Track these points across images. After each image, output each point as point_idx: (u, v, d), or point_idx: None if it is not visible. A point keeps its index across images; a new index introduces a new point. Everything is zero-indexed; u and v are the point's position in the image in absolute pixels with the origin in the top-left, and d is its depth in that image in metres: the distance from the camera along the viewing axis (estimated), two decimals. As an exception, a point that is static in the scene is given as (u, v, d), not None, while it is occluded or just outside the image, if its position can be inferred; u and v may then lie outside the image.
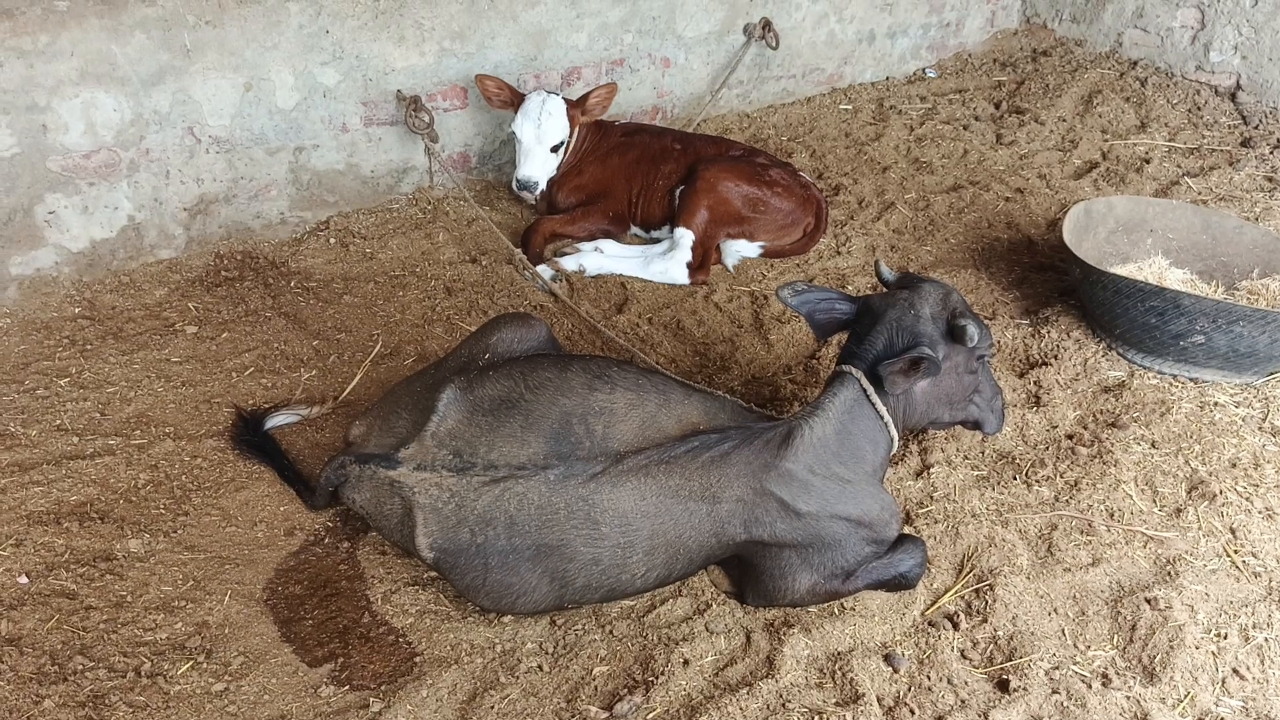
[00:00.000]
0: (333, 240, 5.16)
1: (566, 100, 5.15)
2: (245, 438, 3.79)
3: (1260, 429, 4.00)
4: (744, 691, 2.88)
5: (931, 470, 3.77)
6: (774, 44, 6.56)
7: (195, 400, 4.04)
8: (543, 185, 5.26)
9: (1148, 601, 3.22)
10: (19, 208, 4.37)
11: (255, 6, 4.64)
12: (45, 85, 4.25)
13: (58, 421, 3.85)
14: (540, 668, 3.03)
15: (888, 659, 3.04)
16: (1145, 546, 3.48)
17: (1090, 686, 2.96)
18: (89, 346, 4.28)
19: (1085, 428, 4.00)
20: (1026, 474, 3.77)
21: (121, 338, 4.35)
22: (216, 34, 4.58)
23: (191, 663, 2.99)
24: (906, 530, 3.47)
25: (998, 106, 7.06)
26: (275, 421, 3.91)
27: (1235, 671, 3.04)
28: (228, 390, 4.11)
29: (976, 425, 3.49)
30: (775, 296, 3.28)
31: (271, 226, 5.15)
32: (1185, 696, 2.95)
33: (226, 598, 3.22)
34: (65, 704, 2.81)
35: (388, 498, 3.12)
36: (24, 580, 3.19)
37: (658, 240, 5.36)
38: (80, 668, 2.93)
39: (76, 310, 4.49)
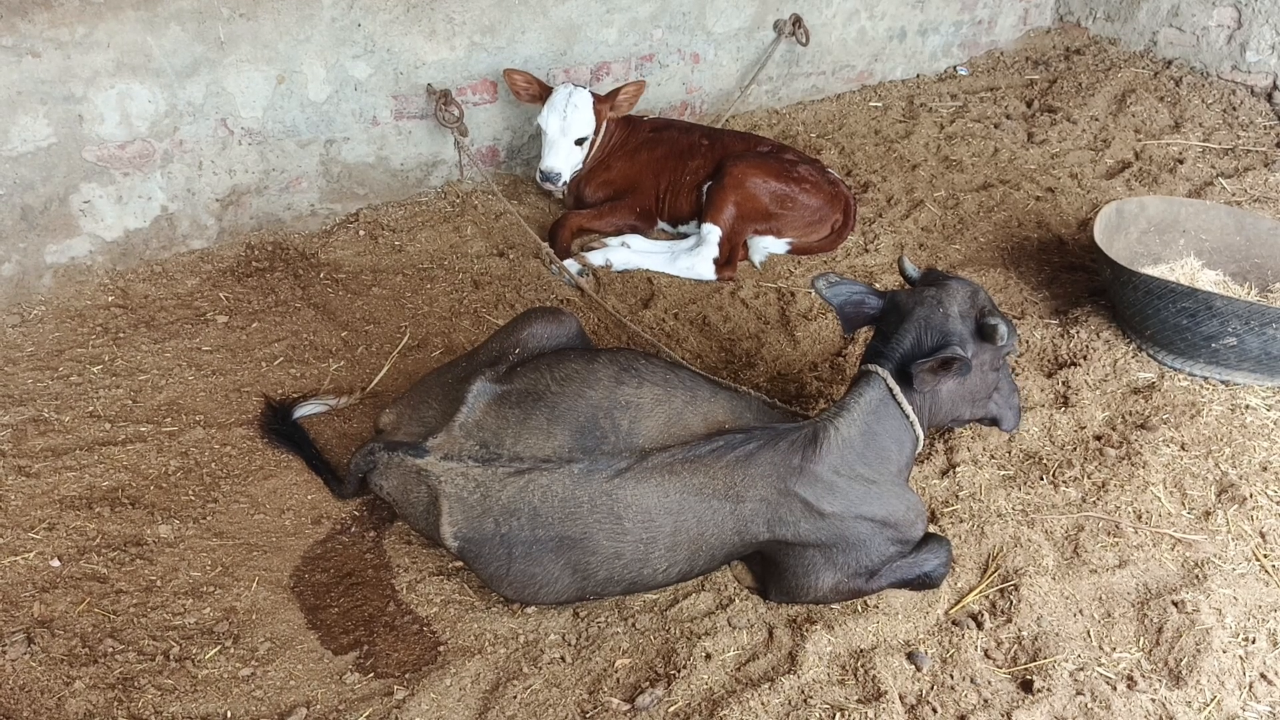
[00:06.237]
0: (362, 232, 5.20)
1: (594, 95, 5.16)
2: (274, 426, 3.83)
3: (1292, 433, 3.95)
4: (766, 686, 2.88)
5: (957, 469, 3.75)
6: (804, 40, 6.53)
7: (225, 389, 4.09)
8: (566, 177, 5.26)
9: (1175, 604, 3.19)
10: (55, 197, 4.43)
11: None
12: (82, 76, 4.30)
13: (90, 408, 3.91)
14: (563, 659, 3.04)
15: (911, 657, 3.03)
16: (1173, 549, 3.45)
17: (1115, 688, 2.94)
18: (122, 334, 4.33)
19: (1114, 429, 3.97)
20: (1053, 474, 3.75)
21: (154, 326, 4.41)
22: (250, 26, 4.62)
23: (219, 647, 3.03)
24: (931, 529, 3.45)
25: (1029, 105, 7.00)
26: (303, 411, 3.95)
27: (1263, 676, 3.01)
28: (257, 379, 4.16)
29: (994, 422, 3.48)
30: (811, 288, 3.29)
31: (302, 218, 5.20)
32: (1211, 701, 2.92)
33: (254, 584, 3.26)
34: (95, 685, 2.86)
35: (414, 486, 3.15)
36: (56, 563, 3.24)
37: (685, 236, 5.36)
38: (110, 650, 2.97)
39: (110, 299, 4.55)
